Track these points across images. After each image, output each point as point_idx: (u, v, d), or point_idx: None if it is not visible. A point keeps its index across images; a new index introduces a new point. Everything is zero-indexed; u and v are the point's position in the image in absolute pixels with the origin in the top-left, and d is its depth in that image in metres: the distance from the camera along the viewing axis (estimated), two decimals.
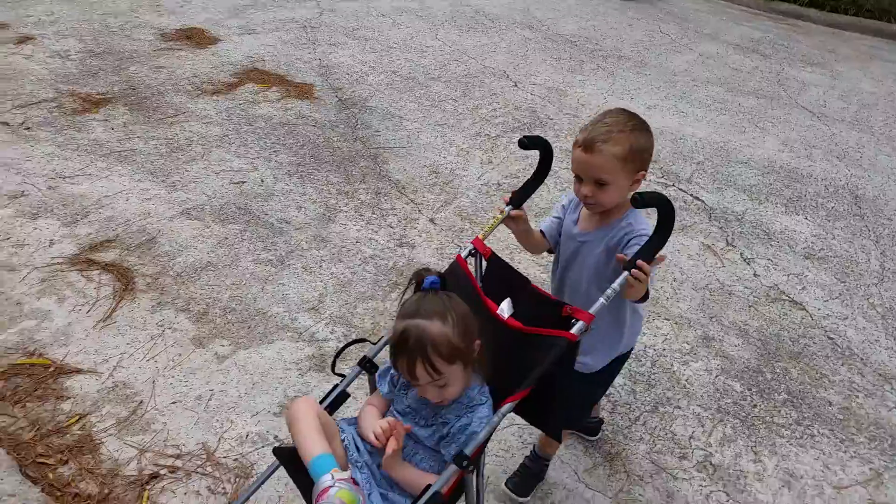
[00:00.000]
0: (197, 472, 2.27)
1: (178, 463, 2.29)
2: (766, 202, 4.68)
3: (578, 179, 1.90)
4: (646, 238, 1.78)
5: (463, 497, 1.72)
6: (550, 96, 6.01)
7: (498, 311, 1.79)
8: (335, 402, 1.83)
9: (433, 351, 1.57)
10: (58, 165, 3.84)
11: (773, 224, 4.41)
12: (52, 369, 2.56)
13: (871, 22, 9.94)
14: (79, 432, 2.34)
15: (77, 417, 2.39)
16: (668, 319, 3.34)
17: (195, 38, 6.08)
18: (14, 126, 4.20)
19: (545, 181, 2.09)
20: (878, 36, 9.84)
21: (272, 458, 1.76)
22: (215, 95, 5.02)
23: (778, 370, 3.14)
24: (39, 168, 3.80)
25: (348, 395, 1.86)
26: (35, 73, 4.96)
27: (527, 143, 1.97)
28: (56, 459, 2.22)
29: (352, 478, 1.58)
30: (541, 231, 2.11)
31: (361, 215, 3.85)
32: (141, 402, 2.49)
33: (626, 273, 1.70)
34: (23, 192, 3.57)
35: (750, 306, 3.56)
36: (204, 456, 2.33)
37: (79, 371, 2.57)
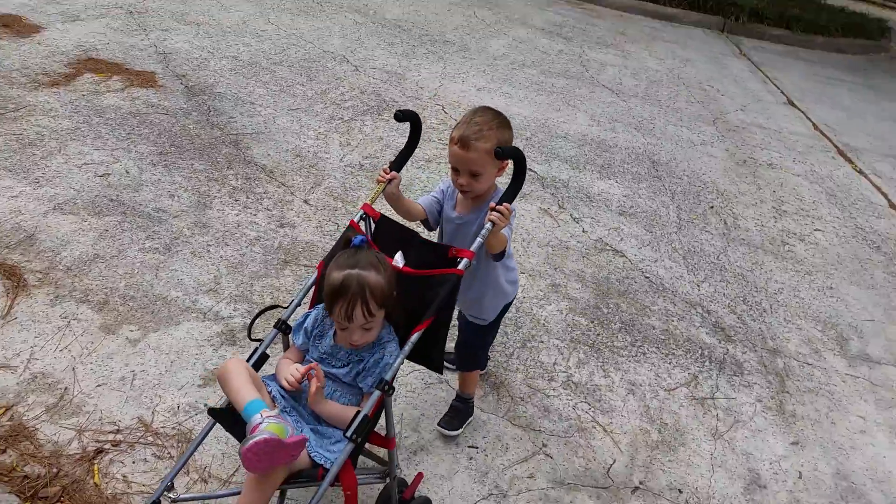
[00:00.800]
0: (139, 443, 2.45)
1: (119, 437, 2.45)
2: (584, 170, 5.46)
3: (455, 171, 2.25)
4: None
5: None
6: (391, 80, 6.41)
7: (393, 263, 2.09)
8: (257, 363, 2.09)
9: (371, 296, 1.90)
10: None
11: (591, 188, 5.19)
12: None
13: (650, 5, 11.38)
14: (9, 423, 2.41)
15: (3, 410, 2.46)
16: (524, 273, 3.93)
17: (13, 25, 5.72)
18: None
19: (415, 151, 2.43)
20: (658, 18, 11.32)
21: (208, 421, 2.03)
22: (55, 87, 4.84)
23: (611, 305, 3.84)
24: None
25: (267, 357, 2.12)
26: None
27: (401, 115, 2.31)
28: None
29: (280, 415, 1.84)
30: (420, 204, 2.45)
31: (237, 200, 4.03)
32: (66, 388, 2.59)
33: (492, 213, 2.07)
34: None
35: (583, 257, 4.26)
36: (143, 428, 2.51)
37: None
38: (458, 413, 2.79)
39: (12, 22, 5.78)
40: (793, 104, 8.47)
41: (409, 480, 2.38)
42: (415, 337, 1.97)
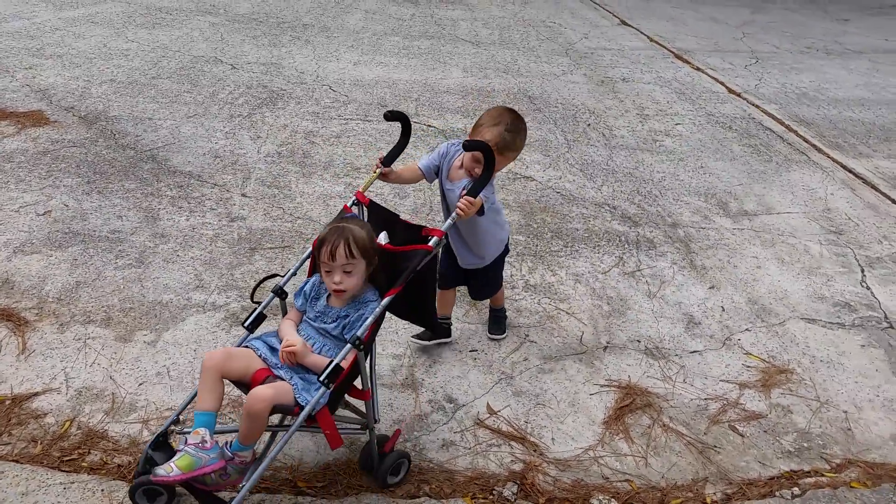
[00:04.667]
0: None
1: (182, 417, 2.77)
2: (473, 116, 6.03)
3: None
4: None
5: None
6: (270, 71, 6.65)
7: (378, 241, 2.41)
8: (255, 321, 2.43)
9: (353, 241, 2.23)
10: None
11: None
12: (8, 402, 2.77)
13: None
14: (78, 431, 2.66)
15: (67, 423, 2.70)
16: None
17: None
18: None
19: (408, 146, 2.75)
20: None
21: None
22: None
23: (538, 221, 4.46)
24: None
25: (265, 317, 2.47)
26: None
27: (389, 115, 2.62)
28: (78, 453, 2.56)
29: (203, 440, 2.11)
30: (419, 167, 2.84)
31: (181, 207, 4.27)
32: (112, 393, 2.85)
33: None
34: None
35: (502, 188, 4.84)
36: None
37: (36, 394, 2.81)
38: (499, 320, 3.38)
39: None
40: (626, 24, 9.43)
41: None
42: (386, 300, 2.27)
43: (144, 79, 6.17)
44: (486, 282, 3.20)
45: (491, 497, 2.53)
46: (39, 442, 2.61)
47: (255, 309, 2.46)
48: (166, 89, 5.98)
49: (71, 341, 3.12)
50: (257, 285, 2.53)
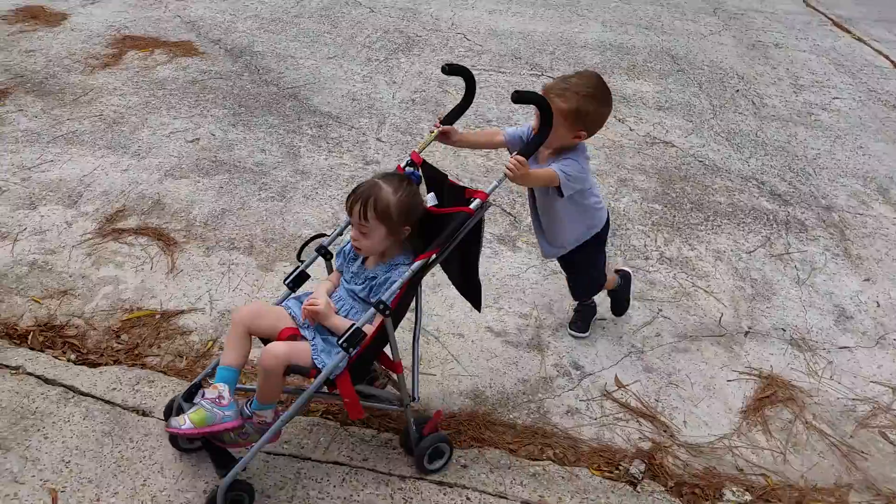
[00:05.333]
0: None
1: None
2: (613, 74, 5.76)
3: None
4: (568, 163, 2.37)
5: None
6: (406, 16, 6.60)
7: (424, 202, 2.23)
8: (297, 280, 2.34)
9: (372, 203, 2.07)
10: (12, 159, 3.88)
11: (625, 90, 5.50)
12: (158, 316, 2.93)
13: None
14: (220, 352, 2.79)
15: (210, 342, 2.83)
16: (597, 177, 4.29)
17: (40, 16, 5.83)
18: None
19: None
20: None
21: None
22: (108, 68, 5.04)
23: (677, 190, 4.23)
24: None
25: (308, 276, 2.37)
26: None
27: (449, 69, 2.33)
28: None
29: (220, 395, 2.06)
30: (503, 135, 2.56)
31: (319, 147, 4.33)
32: None
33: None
34: (0, 188, 3.63)
35: (638, 152, 4.63)
36: None
37: (182, 312, 2.97)
38: (582, 315, 3.05)
39: (38, 12, 5.89)
40: None
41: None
42: (417, 264, 2.07)
43: (287, 17, 6.27)
44: (575, 278, 2.90)
45: (616, 472, 2.46)
46: (185, 357, 2.76)
47: (298, 267, 2.36)
48: (308, 29, 6.06)
49: (216, 265, 3.25)
50: (305, 244, 2.35)
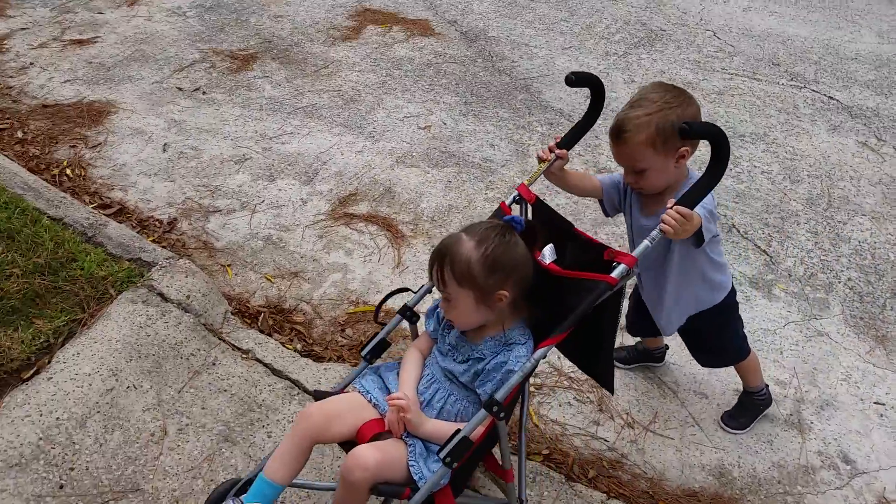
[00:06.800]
0: (558, 387, 2.59)
1: (538, 381, 2.60)
2: (891, 95, 4.92)
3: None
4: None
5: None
6: (650, 6, 6.10)
7: (539, 258, 1.76)
8: (376, 349, 1.91)
9: (448, 263, 1.65)
10: (256, 126, 3.99)
11: None
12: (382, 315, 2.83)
13: None
14: None
15: None
16: (864, 215, 3.64)
17: None
18: (188, 91, 4.30)
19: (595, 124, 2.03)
20: None
21: None
22: (348, 41, 5.08)
23: None
24: (241, 131, 3.94)
25: (389, 344, 1.94)
26: (167, 35, 4.98)
27: (574, 79, 1.89)
28: None
29: None
30: (600, 182, 2.10)
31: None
32: None
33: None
34: (244, 155, 3.73)
35: None
36: (556, 373, 2.64)
37: None
38: (744, 408, 2.48)
39: None
40: None
41: None
42: (540, 352, 1.63)
43: (524, 0, 6.03)
44: (702, 343, 2.29)
45: None
46: None
47: (376, 335, 1.92)
48: (543, 15, 5.78)
49: None
50: (384, 300, 1.94)
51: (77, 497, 1.99)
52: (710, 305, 2.12)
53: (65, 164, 3.54)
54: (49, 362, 2.29)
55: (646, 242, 1.65)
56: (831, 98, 4.86)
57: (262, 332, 2.67)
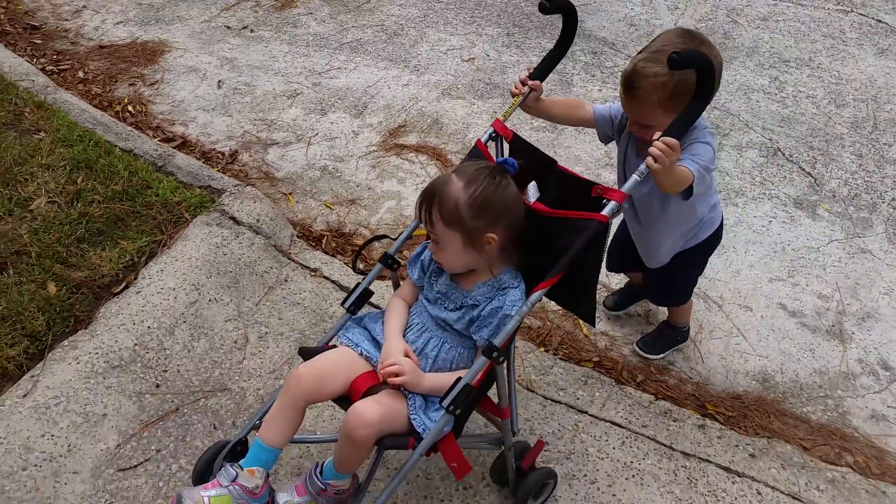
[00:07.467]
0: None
1: None
2: None
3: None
4: (699, 149, 1.73)
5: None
6: None
7: (524, 197, 1.70)
8: (359, 300, 1.83)
9: (436, 204, 1.61)
10: (304, 62, 4.09)
11: None
12: None
13: None
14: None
15: None
16: None
17: None
18: (236, 30, 4.40)
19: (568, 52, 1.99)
20: None
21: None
22: None
23: None
24: (290, 67, 4.04)
25: (371, 293, 1.86)
26: None
27: (547, 6, 1.82)
28: None
29: (256, 486, 1.62)
30: (593, 112, 2.05)
31: (593, 76, 4.10)
32: None
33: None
34: (295, 90, 3.85)
35: None
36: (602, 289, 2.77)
37: None
38: (663, 337, 2.50)
39: None
40: None
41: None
42: (535, 296, 1.58)
43: None
44: (659, 283, 2.29)
45: None
46: None
47: (358, 284, 1.85)
48: None
49: None
50: (361, 248, 1.94)
51: (172, 395, 2.20)
52: (696, 243, 2.11)
53: (126, 101, 3.70)
54: (135, 278, 2.49)
55: (634, 177, 1.62)
56: (879, 21, 4.77)
57: (326, 253, 2.83)
